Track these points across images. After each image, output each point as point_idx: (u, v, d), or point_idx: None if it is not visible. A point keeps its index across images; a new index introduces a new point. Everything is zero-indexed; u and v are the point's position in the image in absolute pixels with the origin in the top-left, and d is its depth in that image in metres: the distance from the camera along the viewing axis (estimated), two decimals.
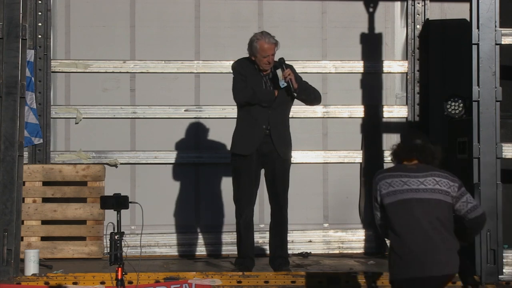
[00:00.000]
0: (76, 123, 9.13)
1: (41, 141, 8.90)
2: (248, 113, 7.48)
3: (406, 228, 5.66)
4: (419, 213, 5.65)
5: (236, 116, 7.64)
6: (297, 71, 7.89)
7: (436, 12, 9.48)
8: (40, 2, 8.96)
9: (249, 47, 7.48)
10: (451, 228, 5.71)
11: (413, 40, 9.41)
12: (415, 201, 5.67)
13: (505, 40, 7.29)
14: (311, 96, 7.62)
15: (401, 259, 5.63)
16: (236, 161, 7.52)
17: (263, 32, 7.56)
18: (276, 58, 7.51)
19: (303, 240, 9.17)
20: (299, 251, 9.01)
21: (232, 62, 7.75)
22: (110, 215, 6.17)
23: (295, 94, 7.43)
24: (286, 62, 7.52)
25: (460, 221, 5.75)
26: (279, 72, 7.42)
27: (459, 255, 5.67)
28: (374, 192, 5.89)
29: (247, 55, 7.53)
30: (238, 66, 7.55)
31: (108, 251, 5.94)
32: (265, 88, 7.46)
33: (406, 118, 9.40)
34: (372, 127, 9.37)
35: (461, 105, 8.31)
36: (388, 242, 5.96)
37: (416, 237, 5.63)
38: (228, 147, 7.76)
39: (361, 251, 9.20)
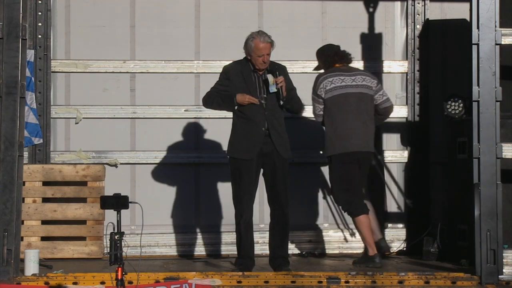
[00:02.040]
0: (76, 123, 9.13)
1: (41, 141, 8.90)
2: (244, 115, 7.48)
3: (344, 114, 7.88)
4: (353, 102, 7.94)
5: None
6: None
7: (436, 12, 9.48)
8: (40, 2, 8.96)
9: (245, 45, 7.49)
10: (372, 115, 8.04)
11: (413, 40, 9.41)
12: (350, 94, 7.93)
13: (505, 40, 7.28)
14: (295, 107, 7.69)
15: (339, 138, 7.87)
16: (237, 163, 7.51)
17: (259, 31, 7.57)
18: (274, 58, 7.53)
19: (303, 240, 9.17)
20: (299, 251, 9.01)
21: (231, 62, 7.76)
22: (110, 215, 6.17)
23: (282, 102, 7.47)
24: (282, 63, 7.62)
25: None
26: (270, 77, 7.45)
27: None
28: (318, 89, 7.98)
29: (248, 58, 7.54)
30: (227, 70, 7.59)
31: (108, 251, 5.94)
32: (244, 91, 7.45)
33: (406, 118, 9.41)
34: None
35: (461, 105, 8.32)
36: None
37: (350, 120, 7.88)
38: None
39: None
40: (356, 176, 8.06)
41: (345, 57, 8.27)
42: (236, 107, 7.44)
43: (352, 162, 7.99)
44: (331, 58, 8.23)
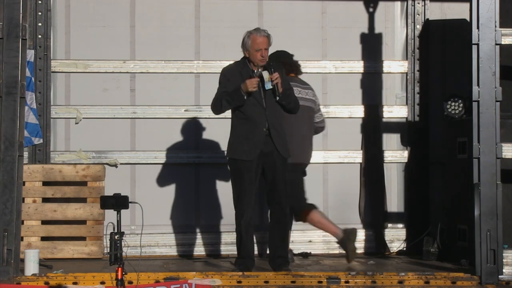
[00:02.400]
0: (76, 123, 9.13)
1: (41, 141, 8.90)
2: (244, 115, 7.47)
3: (297, 125, 8.06)
4: (306, 115, 8.18)
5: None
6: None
7: (436, 12, 9.48)
8: (40, 2, 8.96)
9: (242, 43, 7.49)
10: (313, 128, 8.38)
11: (413, 40, 9.41)
12: (304, 107, 8.00)
13: (505, 40, 7.29)
14: (291, 105, 7.61)
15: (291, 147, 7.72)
16: (237, 163, 7.50)
17: (255, 28, 7.57)
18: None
19: (303, 240, 9.17)
20: (299, 251, 9.01)
21: (229, 64, 7.75)
22: (110, 215, 6.17)
23: (277, 98, 7.44)
24: (278, 64, 7.56)
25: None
26: (265, 73, 7.41)
27: None
28: None
29: (246, 56, 7.54)
30: (226, 72, 7.56)
31: (108, 251, 5.94)
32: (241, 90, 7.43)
33: (406, 118, 9.41)
34: (372, 127, 9.37)
35: (461, 105, 8.32)
36: None
37: (302, 132, 8.16)
38: None
39: (361, 251, 9.18)
40: (301, 182, 8.30)
41: (299, 69, 8.45)
42: (245, 97, 7.39)
43: (297, 171, 8.19)
44: (288, 66, 8.26)
